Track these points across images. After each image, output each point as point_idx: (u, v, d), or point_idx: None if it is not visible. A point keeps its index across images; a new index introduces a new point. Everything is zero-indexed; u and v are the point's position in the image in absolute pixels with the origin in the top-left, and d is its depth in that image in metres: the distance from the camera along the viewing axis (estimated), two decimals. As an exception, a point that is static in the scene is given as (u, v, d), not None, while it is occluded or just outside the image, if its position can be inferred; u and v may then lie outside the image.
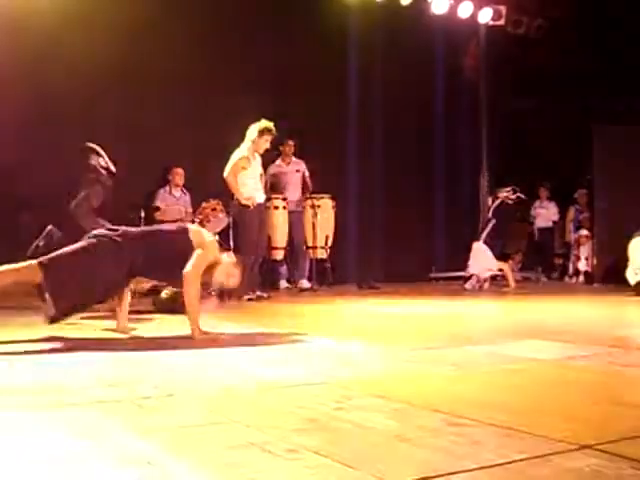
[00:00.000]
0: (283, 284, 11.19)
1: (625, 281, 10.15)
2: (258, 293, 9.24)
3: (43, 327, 5.92)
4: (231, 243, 10.57)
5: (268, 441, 2.60)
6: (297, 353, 4.78)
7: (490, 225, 11.52)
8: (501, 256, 11.45)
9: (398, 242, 12.10)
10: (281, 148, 11.53)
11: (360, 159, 12.49)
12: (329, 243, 11.43)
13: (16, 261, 5.45)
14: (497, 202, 11.69)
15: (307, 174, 11.73)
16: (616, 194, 12.11)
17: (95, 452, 2.51)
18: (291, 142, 11.61)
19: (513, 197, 11.67)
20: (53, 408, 3.18)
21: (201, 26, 10.94)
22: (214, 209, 10.58)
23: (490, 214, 11.71)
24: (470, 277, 11.31)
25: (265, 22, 11.53)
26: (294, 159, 11.78)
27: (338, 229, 11.51)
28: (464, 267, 11.52)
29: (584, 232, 13.12)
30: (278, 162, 11.72)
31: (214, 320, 6.92)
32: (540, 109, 13.14)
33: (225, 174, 9.41)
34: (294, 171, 11.71)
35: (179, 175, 11.08)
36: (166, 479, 2.22)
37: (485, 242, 11.37)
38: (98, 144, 8.25)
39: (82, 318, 6.83)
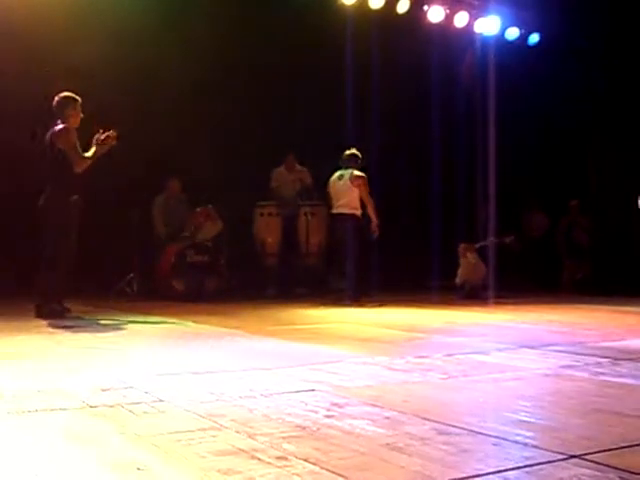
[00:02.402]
0: (272, 290, 11.15)
1: (616, 292, 10.20)
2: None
3: (32, 332, 5.95)
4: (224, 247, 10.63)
5: (257, 448, 2.60)
6: (287, 360, 4.77)
7: (482, 244, 11.59)
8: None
9: (393, 251, 12.07)
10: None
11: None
12: (321, 249, 11.44)
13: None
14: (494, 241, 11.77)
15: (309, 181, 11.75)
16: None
17: (86, 456, 2.51)
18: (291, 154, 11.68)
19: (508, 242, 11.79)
20: (45, 412, 3.18)
21: (199, 35, 10.89)
22: (207, 215, 10.60)
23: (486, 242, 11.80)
24: (462, 285, 11.32)
25: (262, 31, 11.52)
26: (297, 167, 11.80)
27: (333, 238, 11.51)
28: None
29: (576, 241, 13.14)
30: (281, 169, 11.73)
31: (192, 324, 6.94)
32: (534, 118, 13.16)
33: (366, 197, 10.11)
34: (297, 179, 11.71)
35: (175, 185, 11.00)
36: (155, 485, 2.22)
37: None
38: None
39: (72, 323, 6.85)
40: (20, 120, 9.41)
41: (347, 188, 10.15)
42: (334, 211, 10.35)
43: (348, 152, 10.30)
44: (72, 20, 9.78)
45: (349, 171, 10.19)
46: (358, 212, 10.12)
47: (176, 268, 10.26)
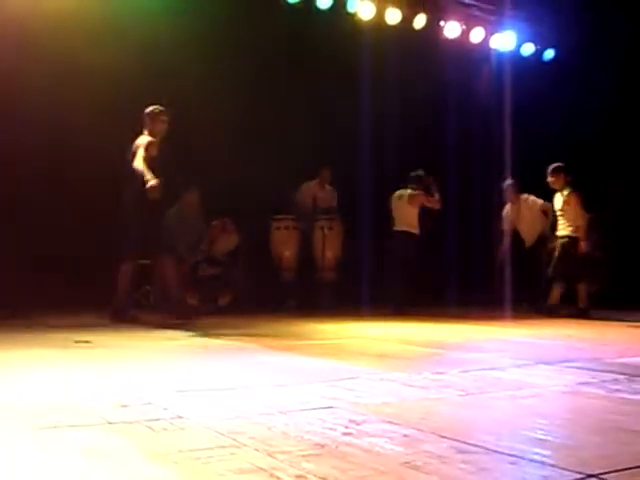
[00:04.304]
0: (289, 304, 11.14)
1: (632, 306, 10.22)
2: None
3: (48, 346, 6.01)
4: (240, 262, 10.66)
5: (276, 466, 2.62)
6: (304, 376, 4.79)
7: None
8: None
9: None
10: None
11: (373, 182, 12.49)
12: (337, 263, 11.46)
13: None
14: None
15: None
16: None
17: (105, 473, 2.53)
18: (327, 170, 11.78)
19: None
20: (64, 428, 3.21)
21: (215, 48, 10.95)
22: (223, 228, 10.61)
23: None
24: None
25: (278, 48, 11.57)
26: (327, 186, 11.86)
27: (350, 252, 11.53)
28: (477, 290, 11.61)
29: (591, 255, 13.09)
30: (312, 184, 11.79)
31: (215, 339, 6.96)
32: (550, 133, 13.13)
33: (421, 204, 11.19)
34: (324, 198, 11.77)
35: (193, 198, 10.87)
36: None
37: None
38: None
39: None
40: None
41: (405, 207, 11.02)
42: (396, 228, 11.07)
43: (413, 173, 11.08)
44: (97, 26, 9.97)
45: (407, 191, 11.04)
46: (416, 231, 11.00)
47: (188, 281, 10.27)
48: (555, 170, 10.66)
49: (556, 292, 10.61)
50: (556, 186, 10.70)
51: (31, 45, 9.75)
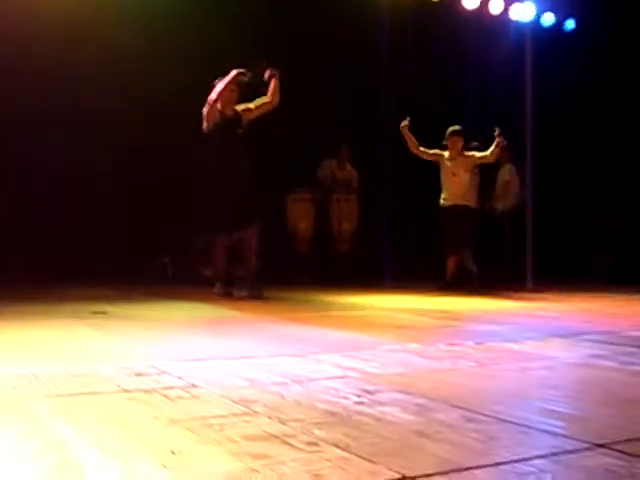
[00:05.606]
0: (304, 277, 11.16)
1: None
2: None
3: (66, 317, 6.07)
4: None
5: (289, 433, 2.65)
6: (318, 346, 4.82)
7: None
8: None
9: (428, 240, 12.00)
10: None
11: (393, 157, 12.46)
12: (353, 236, 11.49)
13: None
14: None
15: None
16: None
17: (120, 440, 2.57)
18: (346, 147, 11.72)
19: None
20: (81, 396, 3.25)
21: (233, 27, 10.91)
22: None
23: None
24: None
25: (292, 23, 11.51)
26: (348, 165, 11.83)
27: (369, 225, 11.55)
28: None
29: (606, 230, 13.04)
30: (332, 163, 11.77)
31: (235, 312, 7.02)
32: (568, 108, 13.03)
33: None
34: (342, 178, 11.75)
35: None
36: (189, 468, 2.27)
37: None
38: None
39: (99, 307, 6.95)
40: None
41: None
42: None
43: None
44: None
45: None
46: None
47: (201, 253, 10.28)
48: (452, 134, 10.31)
49: (451, 265, 10.21)
50: (452, 151, 10.35)
51: (35, 38, 9.77)
